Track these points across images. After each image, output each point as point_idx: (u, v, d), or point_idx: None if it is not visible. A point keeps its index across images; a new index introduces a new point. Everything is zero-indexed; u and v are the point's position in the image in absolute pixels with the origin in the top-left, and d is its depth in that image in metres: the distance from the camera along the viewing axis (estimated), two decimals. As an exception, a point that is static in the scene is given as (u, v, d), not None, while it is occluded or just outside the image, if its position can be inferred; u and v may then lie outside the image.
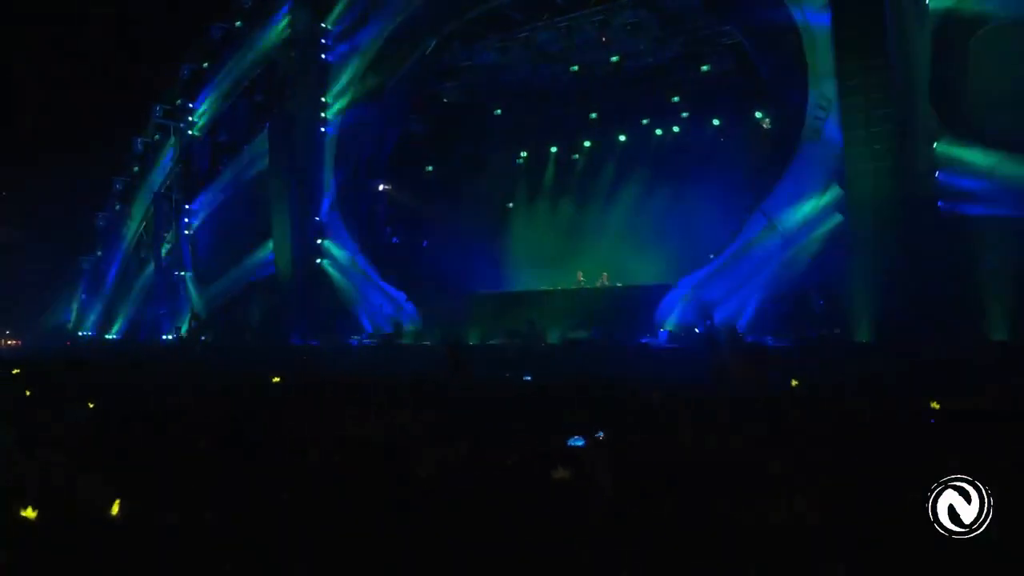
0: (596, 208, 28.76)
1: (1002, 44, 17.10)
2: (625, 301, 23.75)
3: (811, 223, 19.19)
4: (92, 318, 41.67)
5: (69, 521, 5.20)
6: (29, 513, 5.20)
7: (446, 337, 22.82)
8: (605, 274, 25.80)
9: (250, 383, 14.13)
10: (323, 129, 29.69)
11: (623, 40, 25.17)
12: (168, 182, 37.51)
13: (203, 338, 31.47)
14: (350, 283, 28.93)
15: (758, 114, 24.96)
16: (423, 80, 29.12)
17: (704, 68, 25.66)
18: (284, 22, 30.62)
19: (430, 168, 32.32)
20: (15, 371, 18.07)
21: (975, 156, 17.06)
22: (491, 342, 23.86)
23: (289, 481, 5.81)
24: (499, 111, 30.94)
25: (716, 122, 26.67)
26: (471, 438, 7.44)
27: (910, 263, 16.79)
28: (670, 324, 20.99)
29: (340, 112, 29.54)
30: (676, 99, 27.45)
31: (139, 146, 39.52)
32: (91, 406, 10.90)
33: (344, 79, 29.40)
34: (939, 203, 17.24)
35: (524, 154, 31.55)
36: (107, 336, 39.80)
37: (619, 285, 25.48)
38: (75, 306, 43.01)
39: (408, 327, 26.54)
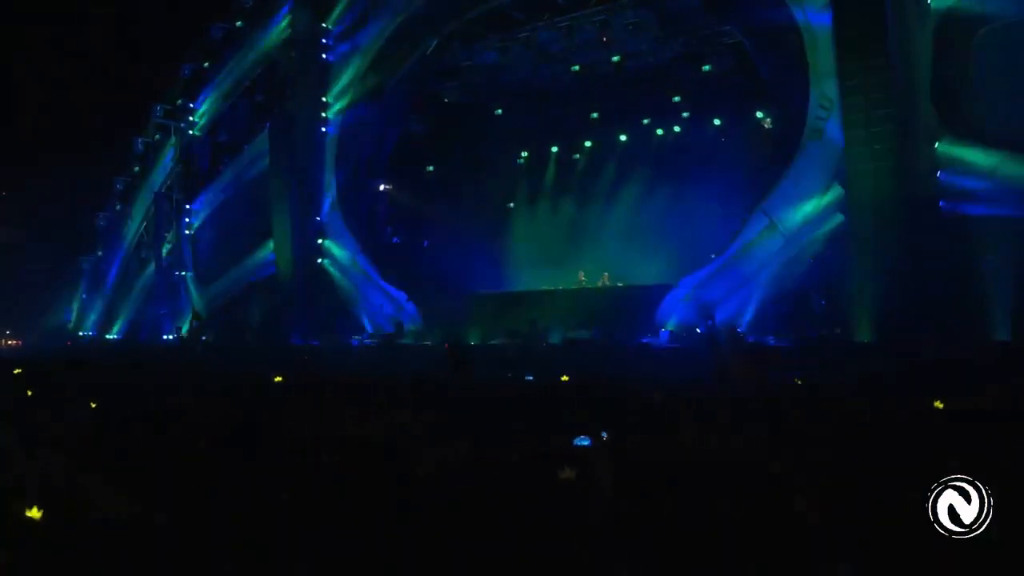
0: (597, 208, 28.75)
1: (1003, 44, 17.08)
2: (626, 301, 23.74)
3: (812, 223, 19.18)
4: (93, 318, 41.65)
5: (70, 521, 5.20)
6: (34, 513, 5.20)
7: (447, 337, 22.82)
8: (606, 274, 25.80)
9: (251, 383, 14.14)
10: (324, 129, 29.67)
11: (624, 40, 25.16)
12: (169, 182, 37.50)
13: (203, 338, 31.46)
14: (351, 283, 28.91)
15: (759, 114, 24.95)
16: (424, 80, 29.10)
17: (705, 68, 25.64)
18: (285, 22, 30.60)
19: (431, 168, 32.31)
20: (16, 371, 18.09)
21: (976, 156, 17.04)
22: (492, 342, 23.85)
23: (289, 481, 5.80)
24: (500, 111, 30.94)
25: (717, 122, 26.66)
26: (472, 438, 7.45)
27: (911, 263, 16.78)
28: (671, 324, 20.99)
29: (341, 112, 29.52)
30: (677, 99, 27.44)
31: (140, 146, 39.51)
32: (93, 406, 10.90)
33: (345, 79, 29.38)
34: (940, 203, 17.22)
35: (525, 154, 31.54)
36: (108, 336, 39.79)
37: (620, 285, 25.47)
38: (76, 306, 42.99)
39: (409, 327, 26.52)
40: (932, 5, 17.53)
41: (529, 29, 25.90)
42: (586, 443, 6.85)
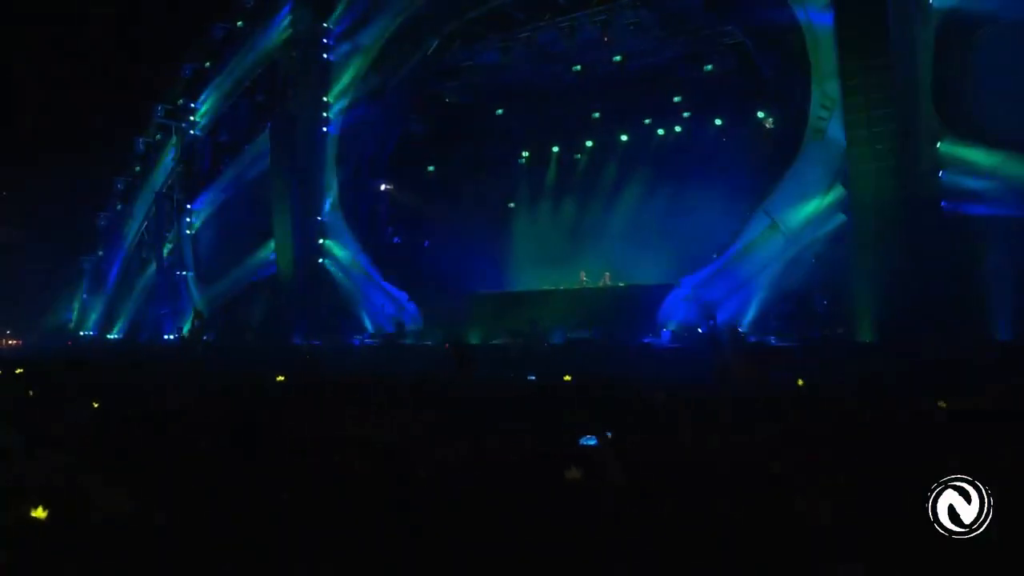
0: (598, 208, 28.72)
1: (1005, 43, 17.06)
2: (627, 301, 23.73)
3: (814, 223, 19.17)
4: (94, 318, 41.67)
5: (71, 521, 5.20)
6: (39, 513, 5.21)
7: (448, 337, 22.83)
8: (607, 274, 25.80)
9: (253, 383, 14.14)
10: (324, 129, 29.67)
11: (625, 40, 25.13)
12: (170, 182, 37.49)
13: (204, 338, 31.47)
14: (352, 283, 28.92)
15: (760, 114, 24.93)
16: (425, 80, 29.09)
17: (707, 68, 25.62)
18: (286, 22, 30.60)
19: (432, 168, 32.30)
20: (18, 371, 18.10)
21: (978, 156, 17.02)
22: (494, 342, 23.85)
23: (290, 481, 5.80)
24: (501, 111, 30.90)
25: (718, 122, 26.63)
26: (476, 438, 7.45)
27: (913, 263, 16.76)
28: (672, 324, 20.98)
29: (342, 112, 29.52)
30: (678, 99, 27.39)
31: (141, 146, 39.51)
32: (95, 406, 10.91)
33: (346, 79, 29.38)
34: (942, 203, 17.20)
35: (526, 154, 31.52)
36: (109, 336, 39.81)
37: (621, 285, 25.45)
38: (76, 306, 43.01)
39: (410, 327, 26.53)
40: (934, 5, 17.52)
41: (530, 29, 25.87)
42: (592, 443, 6.85)
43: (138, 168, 39.91)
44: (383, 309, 27.77)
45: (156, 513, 5.27)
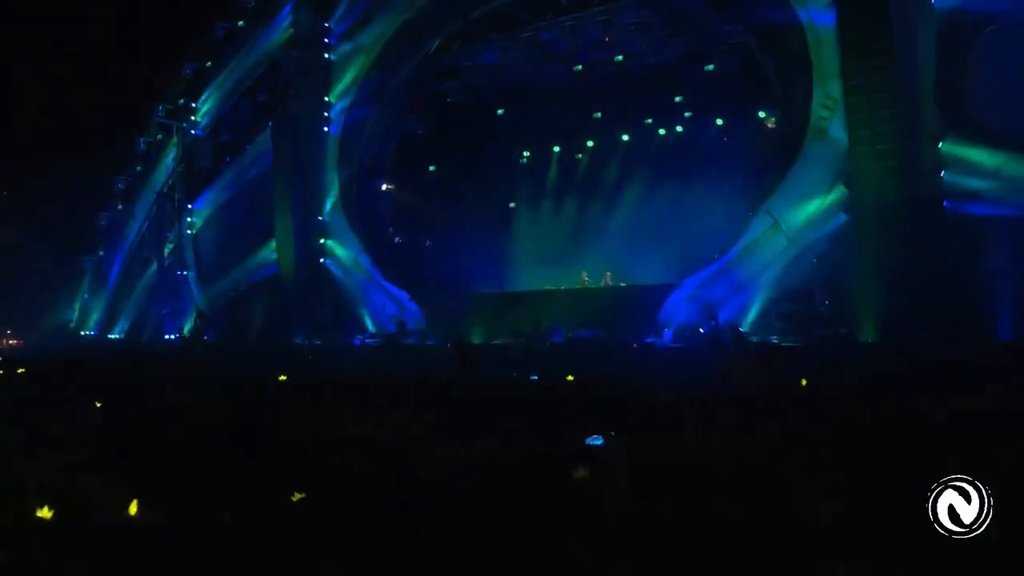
0: (599, 208, 28.68)
1: (1007, 43, 17.06)
2: (629, 301, 23.72)
3: (816, 223, 19.18)
4: (95, 318, 41.71)
5: (71, 521, 5.20)
6: (45, 513, 5.20)
7: (450, 337, 22.83)
8: (609, 274, 25.77)
9: (255, 383, 14.15)
10: (326, 129, 29.68)
11: (627, 39, 25.13)
12: (171, 181, 37.51)
13: (205, 337, 31.48)
14: (353, 283, 28.94)
15: (762, 114, 24.88)
16: (426, 79, 29.13)
17: (708, 68, 25.56)
18: (287, 21, 30.60)
19: (433, 168, 32.25)
20: (19, 370, 18.12)
21: (980, 156, 17.03)
22: (495, 342, 23.84)
23: (293, 482, 5.79)
24: (502, 111, 30.87)
25: (720, 122, 26.57)
26: (480, 438, 7.45)
27: (915, 263, 16.75)
28: (674, 324, 20.96)
29: (343, 112, 29.54)
30: (680, 99, 27.32)
31: (142, 145, 39.54)
32: (98, 405, 10.92)
33: (347, 78, 29.40)
34: (944, 203, 17.19)
35: (527, 154, 31.48)
36: (110, 336, 39.85)
37: (623, 285, 25.43)
38: (77, 306, 43.05)
39: (412, 327, 26.53)
40: (936, 5, 17.51)
41: (532, 29, 25.89)
42: (598, 443, 6.85)
43: (139, 168, 39.95)
44: (384, 309, 27.77)
45: (156, 513, 5.26)
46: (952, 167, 17.19)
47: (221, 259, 34.29)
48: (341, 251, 29.33)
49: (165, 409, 10.79)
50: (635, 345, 20.47)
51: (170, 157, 37.76)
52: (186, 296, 35.56)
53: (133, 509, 5.26)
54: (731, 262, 20.49)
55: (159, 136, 38.65)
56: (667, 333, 20.93)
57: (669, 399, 9.76)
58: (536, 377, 14.24)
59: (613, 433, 7.04)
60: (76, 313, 43.02)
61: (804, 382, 11.15)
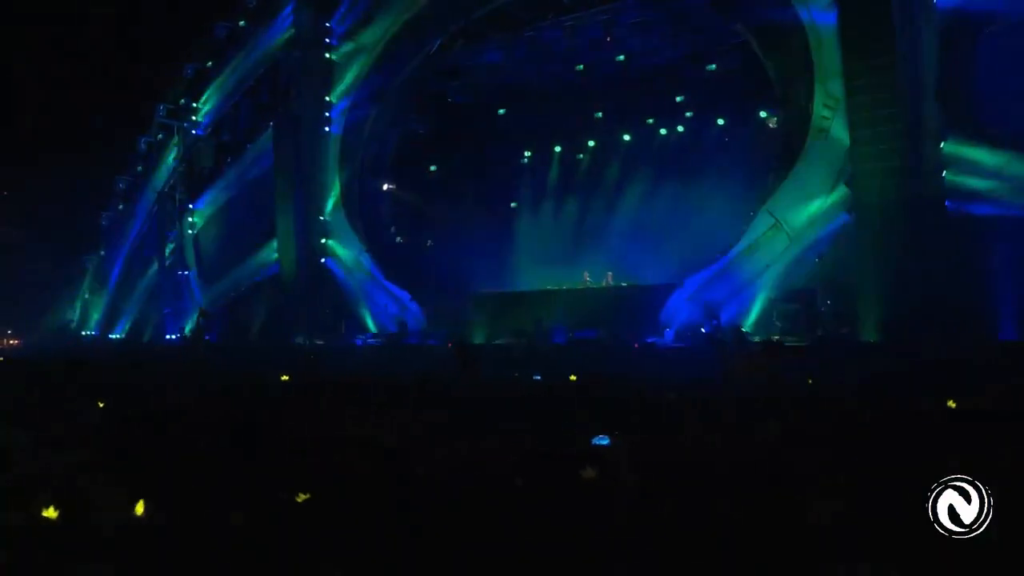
0: (601, 208, 28.68)
1: (1009, 43, 17.03)
2: (630, 301, 23.69)
3: (817, 223, 19.17)
4: (96, 317, 41.74)
5: (71, 521, 5.20)
6: (51, 513, 5.20)
7: (451, 337, 22.83)
8: (610, 273, 25.75)
9: (256, 383, 14.15)
10: (327, 128, 29.69)
11: (628, 39, 25.14)
12: (172, 181, 37.55)
13: (206, 337, 31.50)
14: (354, 283, 28.96)
15: (763, 113, 24.88)
16: (427, 79, 29.14)
17: (710, 67, 25.57)
18: (288, 21, 30.59)
19: (434, 168, 32.28)
20: (20, 371, 18.12)
21: (982, 155, 17.02)
22: (497, 342, 23.84)
23: (292, 481, 5.79)
24: (503, 110, 30.89)
25: (721, 122, 26.59)
26: (478, 438, 7.44)
27: (917, 263, 16.74)
28: (676, 324, 20.96)
29: (344, 111, 29.56)
30: (681, 98, 27.35)
31: (143, 145, 39.58)
32: (101, 406, 10.92)
33: (348, 78, 29.41)
34: (946, 203, 17.17)
35: (528, 153, 31.52)
36: (111, 336, 39.88)
37: (624, 285, 25.41)
38: (78, 305, 43.09)
39: (413, 327, 26.53)
40: (938, 4, 17.49)
41: (533, 28, 25.87)
42: (605, 443, 6.85)
43: (140, 168, 40.01)
44: (386, 309, 27.79)
45: (157, 513, 5.26)
46: (954, 167, 17.19)
47: (222, 259, 34.32)
48: (342, 251, 29.35)
49: (166, 409, 10.79)
50: (636, 345, 20.46)
51: (171, 157, 37.79)
52: (187, 296, 35.58)
53: (140, 509, 5.25)
54: (732, 262, 20.49)
55: (160, 136, 38.69)
56: (669, 333, 20.93)
57: (671, 399, 9.76)
58: (539, 377, 14.22)
59: (617, 433, 7.04)
60: (77, 313, 43.04)
61: (811, 381, 11.13)
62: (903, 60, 17.29)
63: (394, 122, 29.93)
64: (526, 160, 31.64)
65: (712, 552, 4.35)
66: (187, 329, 33.74)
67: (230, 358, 24.76)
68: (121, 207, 41.21)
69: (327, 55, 29.62)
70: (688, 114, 27.48)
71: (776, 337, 18.94)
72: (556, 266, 26.99)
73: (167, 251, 37.24)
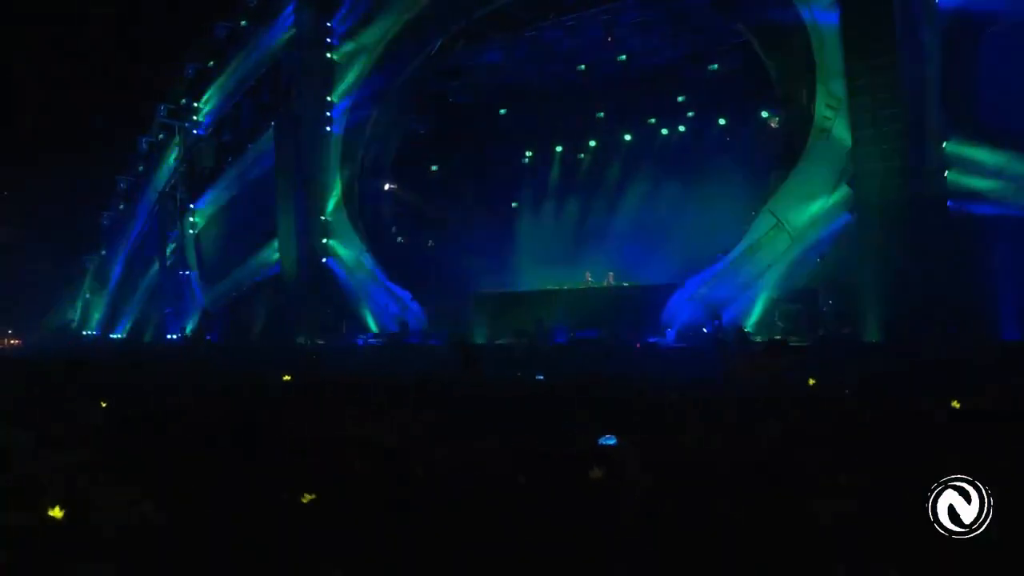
0: (602, 208, 28.64)
1: (1011, 43, 17.01)
2: (632, 301, 23.65)
3: (819, 223, 19.15)
4: (97, 317, 41.75)
5: (73, 521, 5.20)
6: (57, 513, 5.21)
7: (453, 336, 22.81)
8: (611, 273, 25.72)
9: (258, 383, 14.15)
10: (328, 128, 29.71)
11: (629, 39, 25.12)
12: (173, 181, 37.58)
13: (208, 337, 31.52)
14: (356, 283, 28.96)
15: (765, 113, 24.85)
16: (428, 79, 29.12)
17: (711, 67, 25.54)
18: (289, 21, 30.59)
19: (435, 168, 32.26)
20: (20, 371, 18.13)
21: (984, 156, 17.00)
22: (498, 341, 23.83)
23: (292, 481, 5.79)
24: (504, 110, 30.87)
25: (723, 121, 26.55)
26: (479, 438, 7.44)
27: (919, 262, 16.72)
28: (677, 324, 20.95)
29: (345, 111, 29.57)
30: (682, 98, 27.33)
31: (144, 145, 39.60)
32: (103, 406, 10.92)
33: (349, 78, 29.42)
34: (948, 203, 17.15)
35: (529, 153, 31.49)
36: (112, 335, 39.89)
37: (625, 285, 25.38)
38: (79, 305, 43.11)
39: (415, 327, 26.54)
40: (940, 4, 17.47)
41: (534, 28, 25.84)
42: (612, 443, 6.85)
43: (141, 168, 40.05)
44: (387, 309, 27.80)
45: (157, 512, 5.27)
46: (955, 167, 17.17)
47: (223, 259, 34.33)
48: (343, 251, 29.35)
49: (167, 409, 10.79)
50: (638, 345, 20.45)
51: (172, 157, 37.82)
52: (188, 296, 35.59)
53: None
54: (734, 262, 20.48)
55: (161, 136, 38.72)
56: (670, 333, 20.91)
57: (673, 399, 9.76)
58: (542, 377, 14.22)
59: (619, 435, 7.05)
60: (78, 313, 43.05)
61: (812, 382, 11.13)
62: (905, 60, 17.28)
63: (395, 122, 29.93)
64: (527, 160, 31.62)
65: (713, 552, 4.35)
66: (188, 329, 33.74)
67: (231, 358, 24.77)
68: (122, 207, 41.23)
69: (328, 55, 29.62)
70: (690, 114, 27.46)
71: (779, 337, 18.92)
72: (557, 266, 26.94)
73: (168, 251, 37.26)
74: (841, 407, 9.01)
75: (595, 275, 25.87)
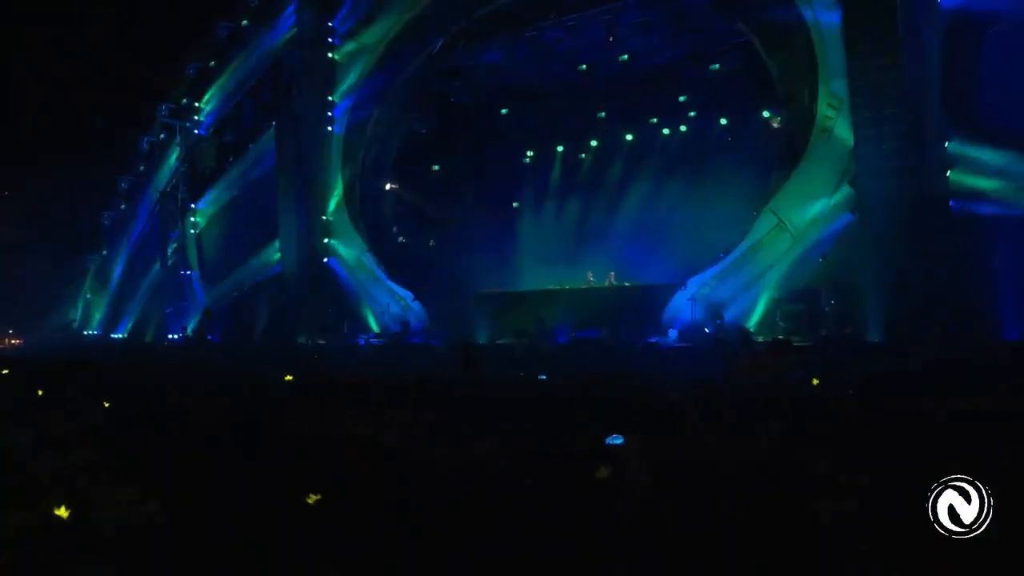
0: (603, 207, 28.65)
1: (1014, 43, 17.00)
2: (633, 301, 23.65)
3: (821, 223, 19.13)
4: (98, 317, 41.77)
5: (74, 521, 5.20)
6: (62, 512, 5.21)
7: (453, 336, 22.83)
8: (612, 273, 25.72)
9: (260, 383, 14.16)
10: (329, 128, 29.72)
11: (631, 39, 25.11)
12: (174, 181, 37.60)
13: (209, 337, 31.53)
14: (357, 282, 28.98)
15: (766, 113, 24.83)
16: (429, 79, 29.10)
17: (713, 67, 25.53)
18: (290, 21, 30.62)
19: (436, 167, 32.27)
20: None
21: (986, 155, 16.97)
22: (500, 341, 23.84)
23: (293, 481, 5.80)
24: (506, 110, 30.86)
25: (724, 121, 26.52)
26: (480, 438, 7.45)
27: (921, 263, 16.71)
28: (679, 324, 20.95)
29: (347, 111, 29.59)
30: (684, 98, 27.33)
31: (145, 145, 39.61)
32: (106, 405, 10.93)
33: (350, 78, 29.43)
34: (950, 203, 17.14)
35: (531, 153, 31.49)
36: (113, 335, 39.91)
37: (627, 284, 25.38)
38: (80, 305, 43.14)
39: (416, 326, 26.54)
40: (942, 4, 17.46)
41: (535, 28, 25.83)
42: (618, 442, 6.85)
43: (142, 167, 40.07)
44: (388, 309, 27.82)
45: (157, 512, 5.27)
46: (957, 166, 17.14)
47: (225, 259, 34.36)
48: (345, 251, 29.36)
49: (168, 409, 10.80)
50: (640, 345, 20.46)
51: (173, 157, 37.85)
52: (189, 296, 35.62)
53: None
54: (736, 262, 20.47)
55: (162, 136, 38.73)
56: (672, 333, 20.90)
57: (674, 399, 9.76)
58: (544, 377, 14.22)
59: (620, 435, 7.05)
60: (79, 313, 43.08)
61: (816, 382, 11.13)
62: (907, 60, 17.25)
63: (396, 122, 29.93)
64: (528, 160, 31.61)
65: (713, 552, 4.35)
66: (189, 329, 33.77)
67: (233, 358, 24.79)
68: (123, 207, 41.25)
69: (329, 55, 29.63)
70: (691, 114, 27.45)
71: (782, 337, 18.92)
72: (559, 266, 26.94)
73: (169, 251, 37.29)
74: (843, 407, 9.01)
75: (596, 275, 25.86)
